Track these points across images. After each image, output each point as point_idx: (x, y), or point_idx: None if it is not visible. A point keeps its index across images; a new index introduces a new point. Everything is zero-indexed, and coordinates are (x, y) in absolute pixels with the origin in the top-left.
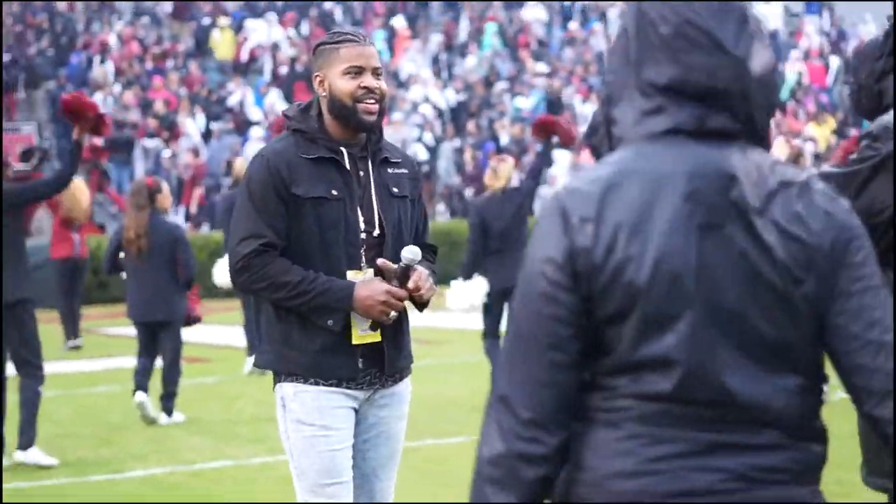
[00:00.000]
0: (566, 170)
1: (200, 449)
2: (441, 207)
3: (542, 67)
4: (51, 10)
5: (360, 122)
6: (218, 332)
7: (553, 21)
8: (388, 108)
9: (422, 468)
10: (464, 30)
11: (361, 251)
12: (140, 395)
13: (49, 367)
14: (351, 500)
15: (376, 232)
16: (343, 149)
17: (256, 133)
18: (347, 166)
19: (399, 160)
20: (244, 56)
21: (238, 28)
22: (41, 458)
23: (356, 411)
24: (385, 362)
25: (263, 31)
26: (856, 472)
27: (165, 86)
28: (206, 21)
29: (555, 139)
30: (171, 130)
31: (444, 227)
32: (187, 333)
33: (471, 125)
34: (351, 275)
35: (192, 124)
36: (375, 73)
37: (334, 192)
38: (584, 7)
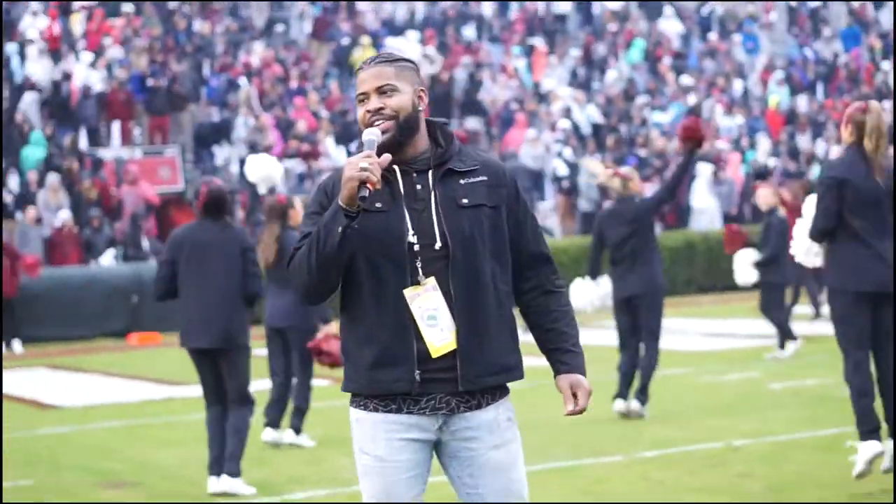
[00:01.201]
0: (707, 183)
1: (354, 469)
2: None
3: (681, 80)
4: (189, 33)
5: (382, 144)
6: None
7: (692, 32)
8: (527, 122)
9: (583, 488)
10: (604, 44)
11: (416, 264)
12: (268, 433)
13: (199, 390)
14: None
15: (437, 245)
16: (395, 166)
17: None
18: (398, 180)
19: (474, 168)
20: None
21: (378, 47)
22: (241, 487)
23: (436, 443)
24: (459, 380)
25: (403, 49)
26: None
27: (306, 106)
28: (346, 41)
29: (695, 149)
30: (312, 151)
31: (583, 245)
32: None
33: (611, 140)
34: (409, 292)
35: (332, 144)
36: (380, 91)
37: (378, 205)
38: (723, 17)
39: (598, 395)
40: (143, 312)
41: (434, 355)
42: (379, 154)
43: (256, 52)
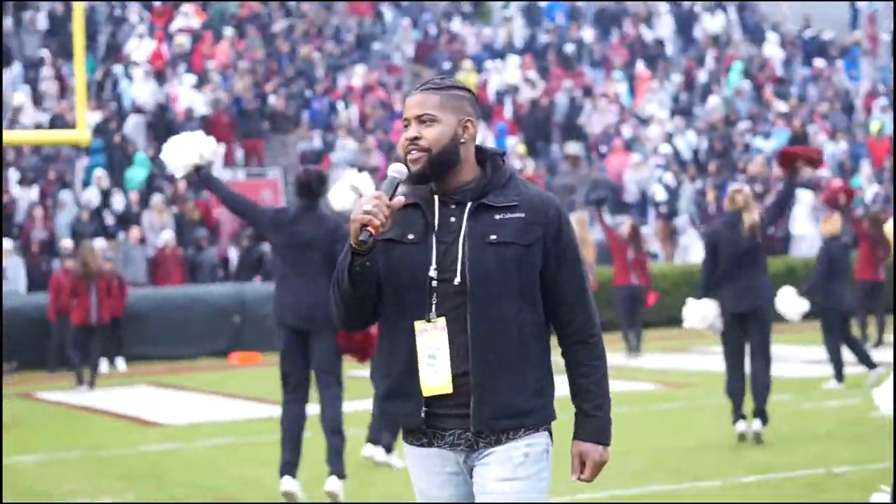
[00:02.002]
0: (808, 209)
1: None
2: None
3: (783, 106)
4: (293, 56)
5: (412, 175)
6: None
7: (794, 58)
8: (627, 147)
9: None
10: (706, 69)
11: (431, 299)
12: (368, 449)
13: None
14: None
15: (457, 280)
16: (436, 196)
17: None
18: (434, 212)
19: (513, 204)
20: (490, 98)
21: (479, 71)
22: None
23: (470, 473)
24: (471, 419)
25: (504, 73)
26: None
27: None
28: (447, 65)
29: (801, 167)
30: None
31: (683, 270)
32: None
33: (713, 165)
34: (419, 326)
35: None
36: (420, 120)
37: (410, 237)
38: (825, 43)
39: (697, 419)
40: (245, 333)
41: (426, 394)
42: (403, 186)
43: (358, 76)
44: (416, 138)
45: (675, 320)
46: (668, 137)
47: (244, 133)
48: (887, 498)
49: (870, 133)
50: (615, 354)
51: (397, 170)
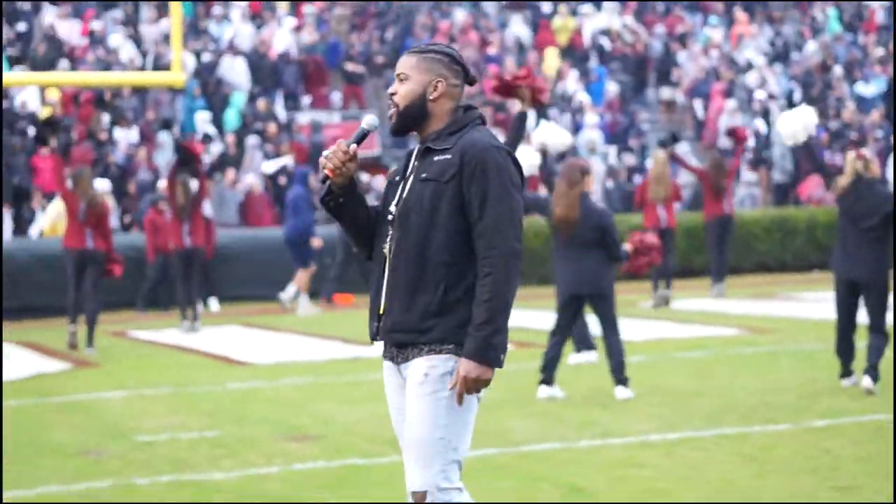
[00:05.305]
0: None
1: (528, 431)
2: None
3: (880, 52)
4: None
5: (390, 125)
6: (542, 317)
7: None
8: (725, 92)
9: (749, 454)
10: (800, 14)
11: (391, 228)
12: (544, 390)
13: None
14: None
15: (390, 216)
16: (420, 144)
17: (591, 120)
18: (413, 156)
19: (446, 148)
20: (586, 42)
21: (575, 14)
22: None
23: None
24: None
25: (601, 18)
26: None
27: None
28: (548, 7)
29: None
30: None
31: (775, 216)
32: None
33: None
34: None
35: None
36: (398, 78)
37: (397, 178)
38: None
39: (776, 364)
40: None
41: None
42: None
43: (455, 19)
44: (393, 94)
45: (763, 266)
46: (763, 83)
47: (344, 77)
48: None
49: None
50: (703, 299)
51: (366, 122)
